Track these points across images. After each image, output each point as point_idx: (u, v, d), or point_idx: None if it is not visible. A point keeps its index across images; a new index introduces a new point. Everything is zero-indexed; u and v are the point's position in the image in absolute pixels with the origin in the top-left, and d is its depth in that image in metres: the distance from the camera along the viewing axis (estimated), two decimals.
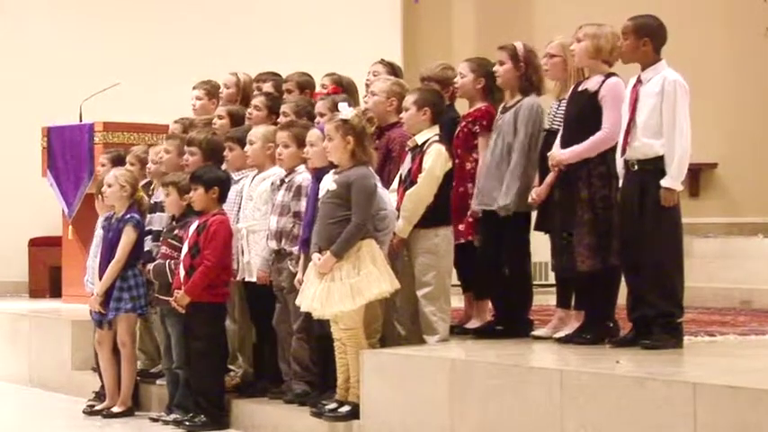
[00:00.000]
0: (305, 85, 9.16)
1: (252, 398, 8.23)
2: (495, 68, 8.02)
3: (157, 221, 8.82)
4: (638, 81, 7.04)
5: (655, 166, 6.92)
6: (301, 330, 7.81)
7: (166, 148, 8.99)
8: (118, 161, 9.49)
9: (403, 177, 7.67)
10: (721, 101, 13.24)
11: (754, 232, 12.52)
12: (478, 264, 8.05)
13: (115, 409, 8.87)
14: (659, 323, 6.91)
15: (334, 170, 7.37)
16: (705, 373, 6.11)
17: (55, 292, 12.25)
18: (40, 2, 13.87)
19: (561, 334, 7.50)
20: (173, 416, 8.34)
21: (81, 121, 11.91)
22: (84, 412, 9.03)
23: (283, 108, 8.52)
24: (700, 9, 13.44)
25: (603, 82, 7.32)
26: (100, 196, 9.25)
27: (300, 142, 7.84)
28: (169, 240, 8.45)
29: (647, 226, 6.93)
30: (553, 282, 8.07)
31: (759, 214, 13.02)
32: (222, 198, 8.29)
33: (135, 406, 8.95)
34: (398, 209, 7.53)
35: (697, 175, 13.44)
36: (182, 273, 8.17)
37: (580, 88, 7.45)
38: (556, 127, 7.66)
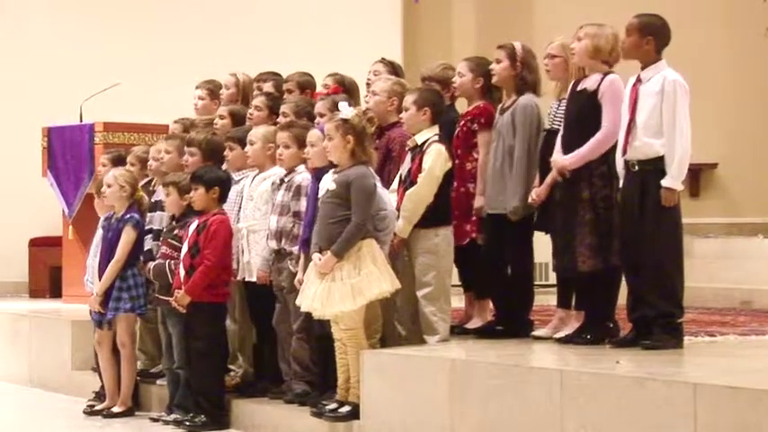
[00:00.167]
0: (305, 84, 9.15)
1: (252, 398, 8.23)
2: (491, 66, 8.03)
3: (158, 220, 8.82)
4: (638, 80, 7.05)
5: (655, 167, 6.92)
6: (301, 330, 7.81)
7: (166, 148, 8.99)
8: (118, 161, 9.48)
9: (403, 177, 7.67)
10: (721, 101, 13.24)
11: (754, 232, 12.51)
12: (482, 262, 8.05)
13: (115, 410, 8.87)
14: (659, 323, 6.91)
15: (333, 170, 7.37)
16: (705, 374, 6.11)
17: (55, 292, 12.23)
18: (40, 2, 13.85)
19: (561, 334, 7.51)
20: (173, 416, 8.34)
21: (81, 121, 11.90)
22: (84, 412, 9.02)
23: (283, 108, 8.51)
24: (700, 9, 13.43)
25: (602, 80, 7.32)
26: (100, 196, 9.25)
27: (301, 143, 7.84)
28: (169, 240, 8.45)
29: (647, 226, 6.93)
30: (554, 282, 8.08)
31: (759, 214, 13.01)
32: (222, 198, 8.29)
33: (135, 406, 8.95)
34: (398, 209, 7.53)
35: (697, 176, 13.44)
36: (182, 273, 8.17)
37: (579, 88, 7.45)
38: (556, 127, 7.66)
